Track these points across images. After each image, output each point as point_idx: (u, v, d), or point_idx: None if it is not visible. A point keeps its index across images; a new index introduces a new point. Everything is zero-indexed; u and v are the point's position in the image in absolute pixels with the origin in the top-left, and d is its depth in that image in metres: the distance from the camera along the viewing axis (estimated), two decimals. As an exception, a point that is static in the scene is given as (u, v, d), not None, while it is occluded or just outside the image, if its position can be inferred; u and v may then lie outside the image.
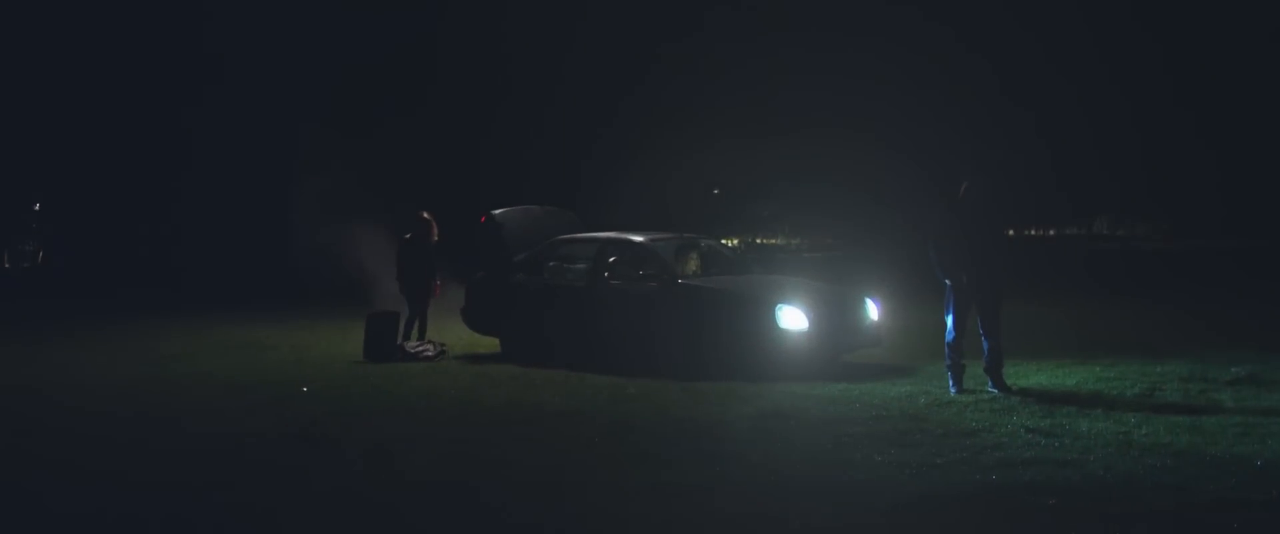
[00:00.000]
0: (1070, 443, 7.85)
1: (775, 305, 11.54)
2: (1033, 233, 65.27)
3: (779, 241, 58.36)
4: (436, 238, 14.39)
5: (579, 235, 13.75)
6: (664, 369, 11.70)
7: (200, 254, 27.28)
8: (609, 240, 13.19)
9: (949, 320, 10.21)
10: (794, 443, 8.14)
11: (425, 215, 14.35)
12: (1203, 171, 48.09)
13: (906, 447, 7.93)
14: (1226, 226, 53.65)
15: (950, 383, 10.22)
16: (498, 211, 14.04)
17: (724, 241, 13.95)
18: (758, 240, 57.23)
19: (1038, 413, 9.04)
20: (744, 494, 6.76)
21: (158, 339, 16.55)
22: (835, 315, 11.87)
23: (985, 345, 10.18)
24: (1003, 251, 10.41)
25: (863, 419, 8.99)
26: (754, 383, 10.83)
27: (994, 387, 10.15)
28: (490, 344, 14.10)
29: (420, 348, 13.70)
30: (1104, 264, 34.42)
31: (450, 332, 15.11)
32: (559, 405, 9.98)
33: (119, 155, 28.76)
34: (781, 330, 11.42)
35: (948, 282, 10.20)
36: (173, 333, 17.35)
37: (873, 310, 12.35)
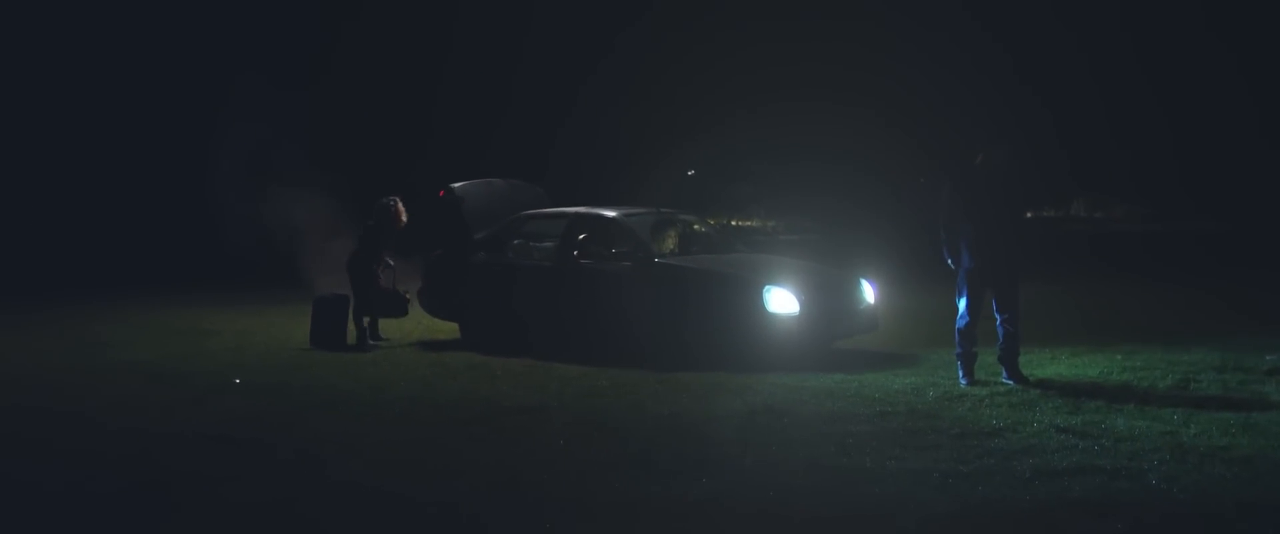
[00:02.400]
0: (1111, 446, 6.76)
1: (763, 287, 10.42)
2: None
3: (755, 224, 57.27)
4: (402, 224, 12.92)
5: (546, 210, 12.56)
6: (640, 358, 10.57)
7: (131, 227, 25.65)
8: (578, 215, 12.02)
9: (961, 304, 9.09)
10: (792, 445, 7.02)
11: (388, 201, 12.90)
12: (1179, 156, 47.55)
13: (922, 450, 6.82)
14: (1202, 210, 53.10)
15: (960, 373, 9.13)
16: (457, 185, 12.81)
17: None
18: (732, 222, 56.12)
19: (1063, 408, 7.96)
20: (740, 511, 5.63)
21: (92, 323, 15.24)
22: (828, 298, 10.76)
23: (1001, 332, 9.08)
24: (1019, 231, 9.26)
25: (867, 416, 7.88)
26: (740, 373, 9.70)
27: (1008, 377, 9.06)
28: (449, 329, 12.93)
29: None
30: (1089, 246, 33.49)
31: (410, 317, 13.90)
32: (521, 400, 8.83)
33: (50, 128, 26.95)
34: (770, 315, 10.29)
35: (957, 265, 9.08)
36: (111, 316, 16.04)
37: (868, 293, 11.25)
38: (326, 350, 12.16)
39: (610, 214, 11.77)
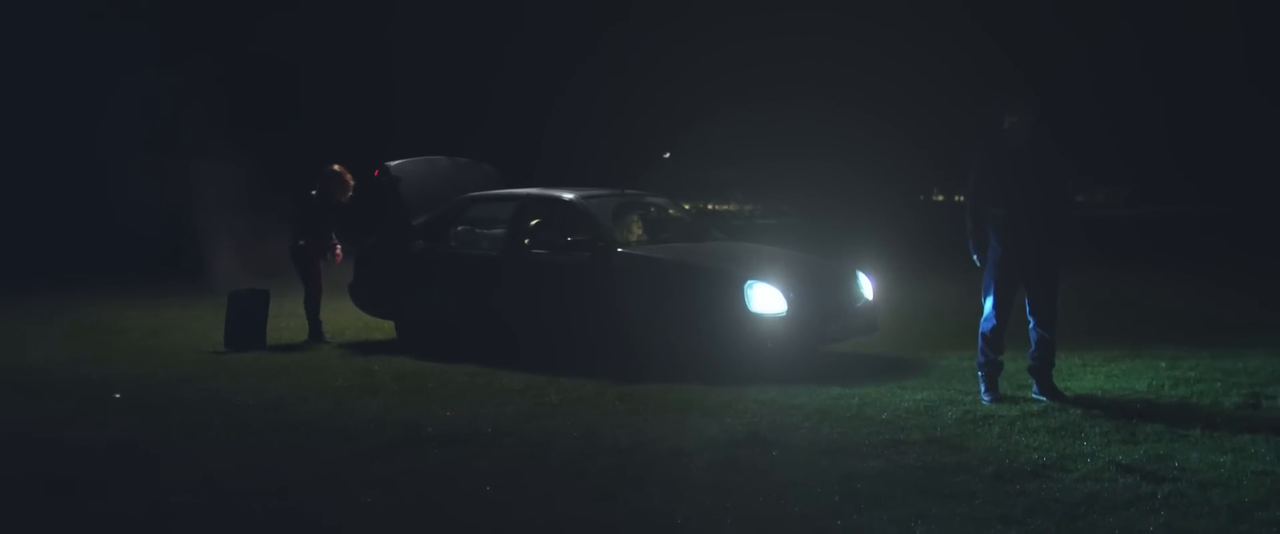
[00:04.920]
0: (1198, 496, 5.20)
1: (744, 282, 8.82)
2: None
3: (733, 208, 55.85)
4: (349, 194, 11.32)
5: (495, 192, 10.94)
6: (599, 365, 9.02)
7: (63, 217, 23.59)
8: (531, 198, 10.40)
9: (987, 304, 7.50)
10: (784, 494, 5.42)
11: (336, 168, 11.31)
12: (1162, 137, 46.38)
13: (953, 499, 5.25)
14: (1190, 192, 51.98)
15: (982, 388, 7.57)
16: (394, 163, 11.17)
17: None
18: (710, 206, 54.67)
19: (1116, 436, 6.41)
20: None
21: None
22: (820, 295, 9.17)
23: (1033, 337, 7.51)
24: (1062, 209, 7.67)
25: (874, 446, 6.32)
26: (717, 386, 8.13)
27: (1040, 392, 7.51)
28: (388, 328, 11.32)
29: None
30: (1087, 232, 32.06)
31: (345, 313, 12.29)
32: (449, 423, 7.20)
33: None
34: (753, 315, 8.70)
35: (983, 261, 7.50)
36: (19, 312, 14.35)
37: (866, 288, 9.67)
38: (241, 353, 10.57)
39: (567, 196, 10.15)
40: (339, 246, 11.36)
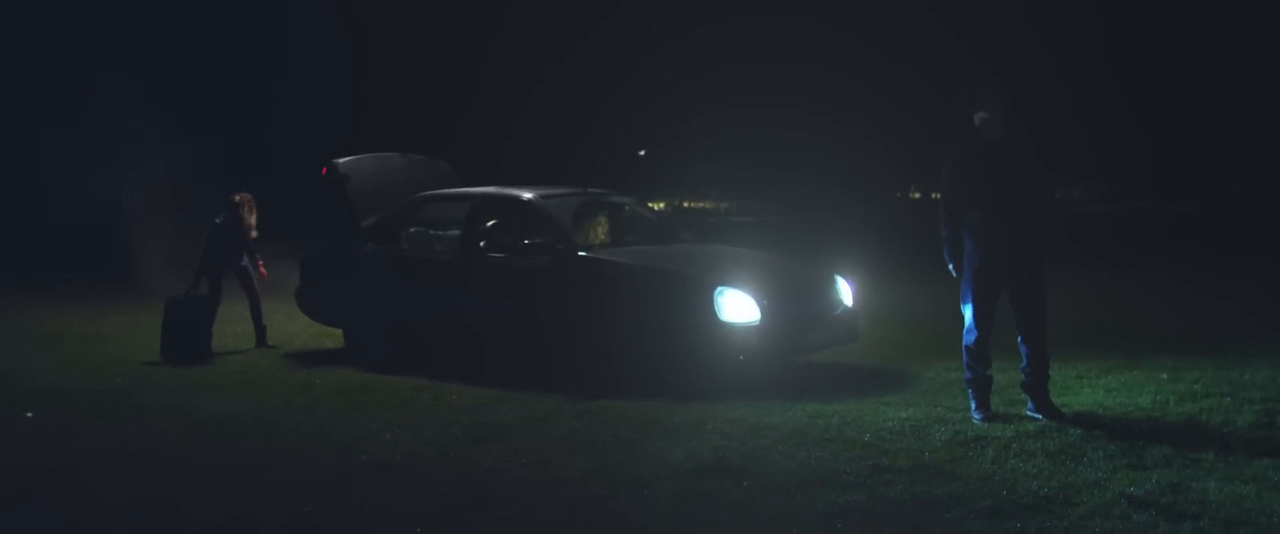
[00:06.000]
0: (1224, 536, 4.58)
1: (714, 288, 8.15)
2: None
3: (707, 206, 55.31)
4: (251, 225, 10.69)
5: (449, 191, 10.24)
6: (558, 378, 8.35)
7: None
8: (486, 197, 9.70)
9: (968, 315, 6.86)
10: (754, 536, 4.77)
11: (237, 198, 10.65)
12: (1137, 134, 46.25)
13: (946, 542, 4.61)
14: (1162, 190, 51.89)
15: (973, 405, 6.93)
16: (342, 160, 10.46)
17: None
18: (685, 204, 54.12)
19: (1122, 459, 5.79)
20: None
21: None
22: (797, 301, 8.52)
23: (1023, 351, 6.88)
24: (1046, 208, 7.04)
25: (856, 476, 5.66)
26: (684, 402, 7.47)
27: (1037, 410, 6.88)
28: (337, 336, 10.63)
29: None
30: (1065, 231, 31.59)
31: (294, 320, 11.60)
32: (387, 446, 6.50)
33: None
34: (723, 324, 8.04)
35: (959, 271, 6.87)
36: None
37: (846, 293, 9.02)
38: (177, 364, 9.86)
39: (526, 196, 9.45)
40: (262, 263, 10.79)
